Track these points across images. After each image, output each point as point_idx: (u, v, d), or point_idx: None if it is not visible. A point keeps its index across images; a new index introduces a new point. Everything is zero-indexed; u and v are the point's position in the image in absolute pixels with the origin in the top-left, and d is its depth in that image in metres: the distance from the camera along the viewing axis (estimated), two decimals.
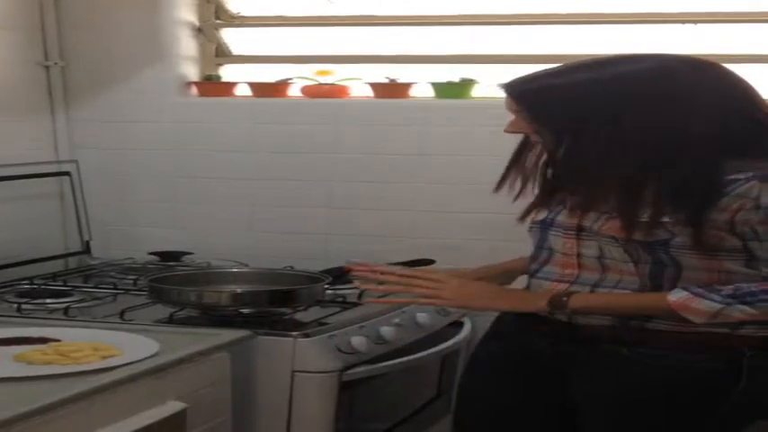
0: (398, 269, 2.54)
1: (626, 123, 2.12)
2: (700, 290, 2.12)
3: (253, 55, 3.80)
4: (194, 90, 3.71)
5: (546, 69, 2.26)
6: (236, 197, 3.60)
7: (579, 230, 2.22)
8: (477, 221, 3.33)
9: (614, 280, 2.20)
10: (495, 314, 2.45)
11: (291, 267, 3.18)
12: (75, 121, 3.69)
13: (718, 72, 2.20)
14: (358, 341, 2.70)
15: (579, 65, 2.23)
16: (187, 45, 3.71)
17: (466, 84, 3.44)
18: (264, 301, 2.79)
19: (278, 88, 3.64)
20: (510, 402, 2.38)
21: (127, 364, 2.22)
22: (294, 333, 2.63)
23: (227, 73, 3.78)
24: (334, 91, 3.58)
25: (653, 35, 3.33)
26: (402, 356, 2.83)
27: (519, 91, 2.25)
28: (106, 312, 2.82)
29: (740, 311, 2.10)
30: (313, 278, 2.88)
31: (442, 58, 3.55)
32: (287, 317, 2.78)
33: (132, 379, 2.18)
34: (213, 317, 2.72)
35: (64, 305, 2.87)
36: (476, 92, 3.45)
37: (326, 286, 2.88)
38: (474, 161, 3.33)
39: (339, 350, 2.65)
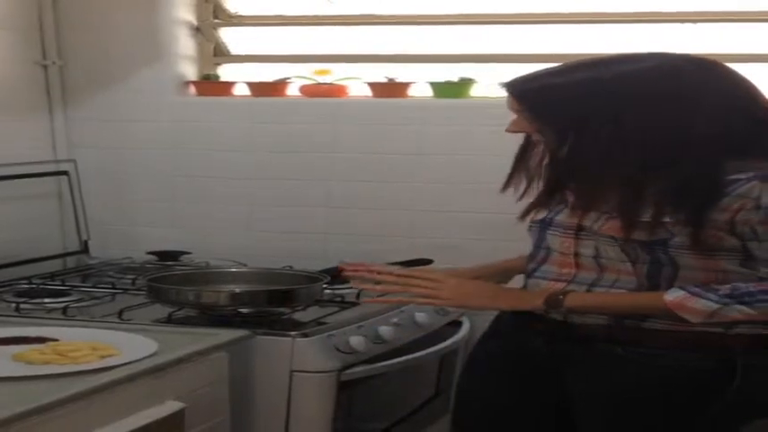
0: (396, 269, 2.54)
1: (627, 123, 2.12)
2: (696, 289, 2.12)
3: (251, 54, 3.80)
4: (192, 89, 3.71)
5: (546, 69, 2.26)
6: (234, 197, 3.59)
7: (579, 230, 2.22)
8: (476, 221, 3.33)
9: (611, 279, 2.20)
10: (494, 313, 2.46)
11: (290, 267, 3.18)
12: (74, 120, 3.69)
13: (722, 71, 2.20)
14: (356, 341, 2.70)
15: (580, 64, 2.23)
16: (185, 44, 3.70)
17: (465, 83, 3.44)
18: (263, 301, 2.78)
19: (276, 88, 3.63)
20: (507, 402, 2.38)
21: (125, 364, 2.22)
22: (293, 333, 2.63)
23: (225, 72, 3.78)
24: (333, 90, 3.57)
25: (652, 34, 3.33)
26: (400, 356, 2.83)
27: (520, 90, 2.25)
28: (104, 312, 2.82)
29: (738, 311, 2.10)
30: (311, 278, 2.88)
31: (441, 58, 3.55)
32: (285, 316, 2.78)
33: (131, 379, 2.18)
34: (212, 316, 2.72)
35: (62, 305, 2.87)
36: (474, 91, 3.45)
37: (325, 286, 2.88)
38: (473, 161, 3.33)
39: (337, 350, 2.65)
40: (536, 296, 2.26)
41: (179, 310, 2.74)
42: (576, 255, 2.23)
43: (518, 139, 2.35)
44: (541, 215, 2.32)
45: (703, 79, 2.17)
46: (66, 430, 2.02)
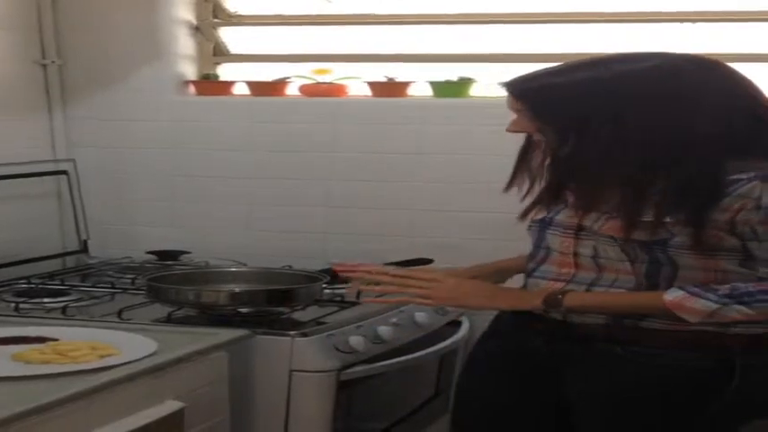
0: (391, 269, 2.53)
1: (628, 122, 2.12)
2: (696, 289, 2.12)
3: (250, 54, 3.79)
4: (192, 89, 3.71)
5: (546, 68, 2.26)
6: (233, 196, 3.59)
7: (579, 230, 2.22)
8: (476, 220, 3.33)
9: (610, 279, 2.20)
10: (494, 313, 2.46)
11: (289, 266, 3.18)
12: (73, 119, 3.69)
13: (723, 71, 2.20)
14: (356, 340, 2.70)
15: (580, 63, 2.23)
16: (185, 44, 3.70)
17: (464, 83, 3.44)
18: (262, 301, 2.78)
19: (276, 87, 3.63)
20: (507, 402, 2.38)
21: (125, 364, 2.22)
22: (292, 332, 2.63)
23: (224, 72, 3.78)
24: (332, 90, 3.57)
25: (652, 34, 3.32)
26: (400, 356, 2.83)
27: (520, 90, 2.25)
28: (104, 311, 2.82)
29: (737, 311, 2.10)
30: (311, 277, 2.88)
31: (441, 57, 3.55)
32: (285, 316, 2.78)
33: (130, 378, 2.18)
34: (211, 316, 2.72)
35: (62, 304, 2.87)
36: (474, 91, 3.45)
37: (324, 285, 2.88)
38: (472, 160, 3.33)
39: (337, 349, 2.65)
40: (535, 296, 2.26)
41: (178, 309, 2.74)
42: (576, 254, 2.23)
43: (518, 138, 2.35)
44: (541, 215, 2.31)
45: (704, 79, 2.17)
46: (65, 430, 2.02)
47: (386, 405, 3.00)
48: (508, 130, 2.31)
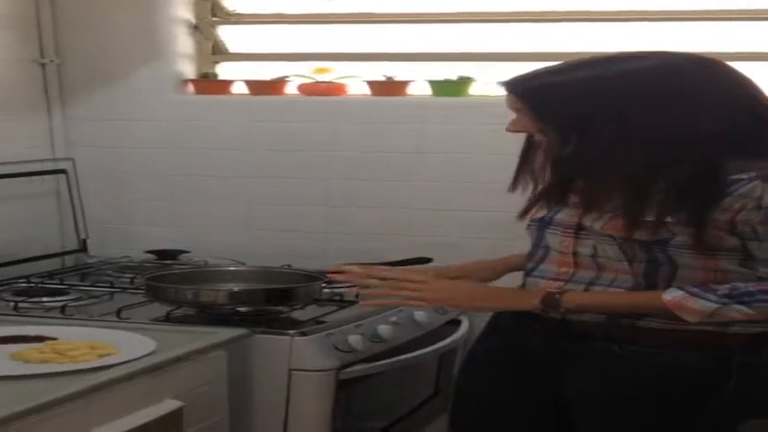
0: (381, 270, 2.50)
1: (631, 121, 2.11)
2: (695, 289, 2.12)
3: (249, 53, 3.79)
4: (191, 88, 3.71)
5: (546, 67, 2.26)
6: (232, 195, 3.59)
7: (579, 229, 2.21)
8: (475, 219, 3.32)
9: (609, 278, 2.20)
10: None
11: (289, 265, 3.18)
12: (72, 118, 3.68)
13: (723, 70, 2.20)
14: (355, 339, 2.70)
15: (580, 62, 2.23)
16: (183, 42, 3.70)
17: (463, 82, 3.44)
18: (261, 300, 2.78)
19: (275, 86, 3.63)
20: (505, 401, 2.38)
21: (124, 363, 2.22)
22: (291, 331, 2.63)
23: (223, 71, 3.77)
24: (332, 89, 3.57)
25: (652, 33, 3.32)
26: (399, 355, 2.83)
27: (521, 89, 2.24)
28: (103, 311, 2.82)
29: (737, 311, 2.10)
30: (310, 276, 2.88)
31: (440, 56, 3.55)
32: (284, 315, 2.78)
33: (129, 377, 2.18)
34: (210, 315, 2.72)
35: (61, 303, 2.87)
36: (473, 90, 3.45)
37: (323, 285, 2.87)
38: (471, 159, 3.33)
39: (336, 348, 2.65)
40: (532, 295, 2.25)
41: (177, 308, 2.74)
42: (575, 254, 2.23)
43: (517, 137, 2.34)
44: (541, 214, 2.31)
45: (705, 77, 2.17)
46: (64, 429, 2.02)
47: (385, 404, 2.99)
48: (508, 130, 2.30)
